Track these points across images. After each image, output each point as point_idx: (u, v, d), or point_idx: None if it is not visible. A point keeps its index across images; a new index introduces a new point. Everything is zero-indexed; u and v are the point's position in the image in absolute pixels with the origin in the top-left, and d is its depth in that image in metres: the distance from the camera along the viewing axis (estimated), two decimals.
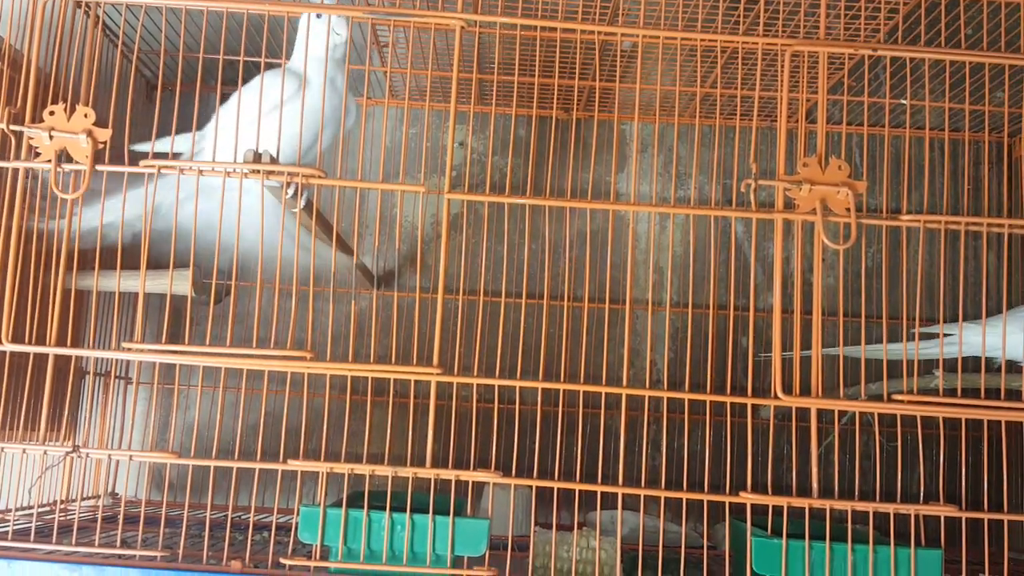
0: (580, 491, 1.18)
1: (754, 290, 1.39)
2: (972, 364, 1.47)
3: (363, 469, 1.14)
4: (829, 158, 1.15)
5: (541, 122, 2.00)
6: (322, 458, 1.15)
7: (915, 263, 1.87)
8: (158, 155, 1.19)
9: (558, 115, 1.98)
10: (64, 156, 1.15)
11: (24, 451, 1.16)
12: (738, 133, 1.85)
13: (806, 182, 1.13)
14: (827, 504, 1.12)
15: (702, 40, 1.25)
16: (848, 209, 1.14)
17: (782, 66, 1.21)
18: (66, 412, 1.64)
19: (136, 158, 1.19)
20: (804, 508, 1.12)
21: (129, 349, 1.14)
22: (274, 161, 1.18)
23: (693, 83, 1.80)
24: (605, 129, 2.02)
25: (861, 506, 1.12)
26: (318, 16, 1.36)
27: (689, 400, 1.20)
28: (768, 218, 1.17)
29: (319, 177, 1.17)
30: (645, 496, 1.19)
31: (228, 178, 1.17)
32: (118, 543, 1.17)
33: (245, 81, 1.43)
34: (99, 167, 1.16)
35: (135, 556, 1.12)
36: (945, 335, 1.36)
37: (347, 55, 1.36)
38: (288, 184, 1.20)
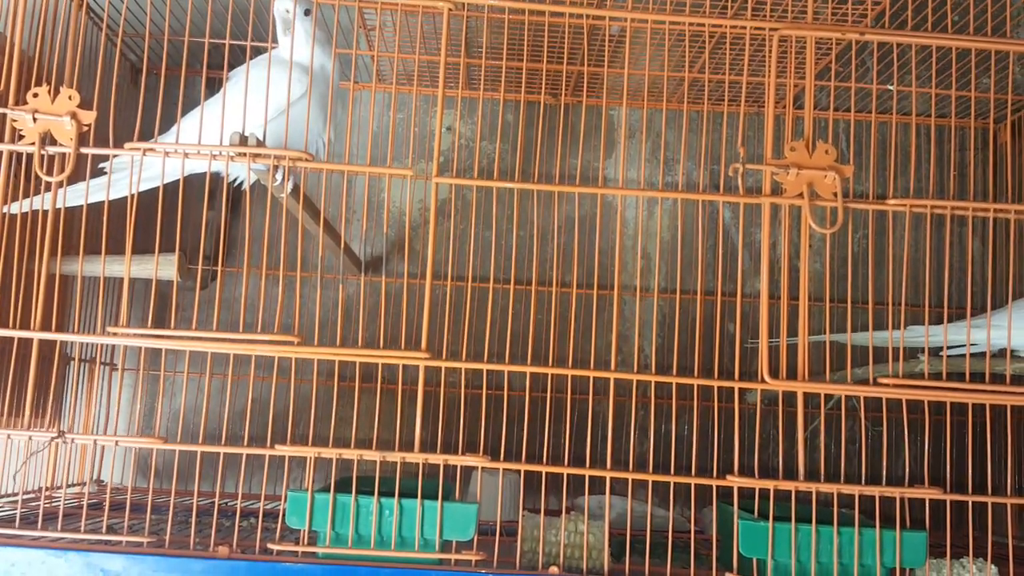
0: (568, 476, 1.18)
1: (741, 276, 1.40)
2: (957, 347, 1.48)
3: (351, 454, 1.14)
4: (816, 143, 1.15)
5: (529, 107, 2.00)
6: (309, 443, 1.15)
7: (901, 248, 1.88)
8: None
9: (546, 100, 1.97)
10: (48, 139, 1.14)
11: (8, 437, 1.16)
12: (726, 119, 1.86)
13: (793, 166, 1.14)
14: (813, 487, 1.13)
15: (690, 24, 1.25)
16: (835, 193, 1.14)
17: (770, 51, 1.21)
18: (51, 399, 1.63)
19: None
20: (790, 491, 1.13)
21: (115, 334, 1.14)
22: (260, 144, 1.17)
23: (681, 68, 1.80)
24: (593, 114, 2.02)
25: (847, 489, 1.13)
26: (306, 13, 1.36)
27: (677, 385, 1.21)
28: (755, 202, 1.17)
29: (306, 161, 1.16)
30: (633, 480, 1.19)
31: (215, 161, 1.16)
32: (104, 529, 1.17)
33: (231, 66, 1.42)
34: (83, 150, 1.15)
35: (122, 542, 1.12)
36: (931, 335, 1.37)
37: (334, 39, 1.35)
38: (275, 168, 1.19)
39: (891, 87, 1.73)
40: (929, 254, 1.21)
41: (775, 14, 1.51)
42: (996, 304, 1.69)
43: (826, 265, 1.88)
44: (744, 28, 1.24)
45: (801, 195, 1.14)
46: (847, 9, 1.49)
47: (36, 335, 1.15)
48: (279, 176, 1.23)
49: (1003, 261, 1.74)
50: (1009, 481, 1.20)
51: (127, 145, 1.16)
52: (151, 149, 1.16)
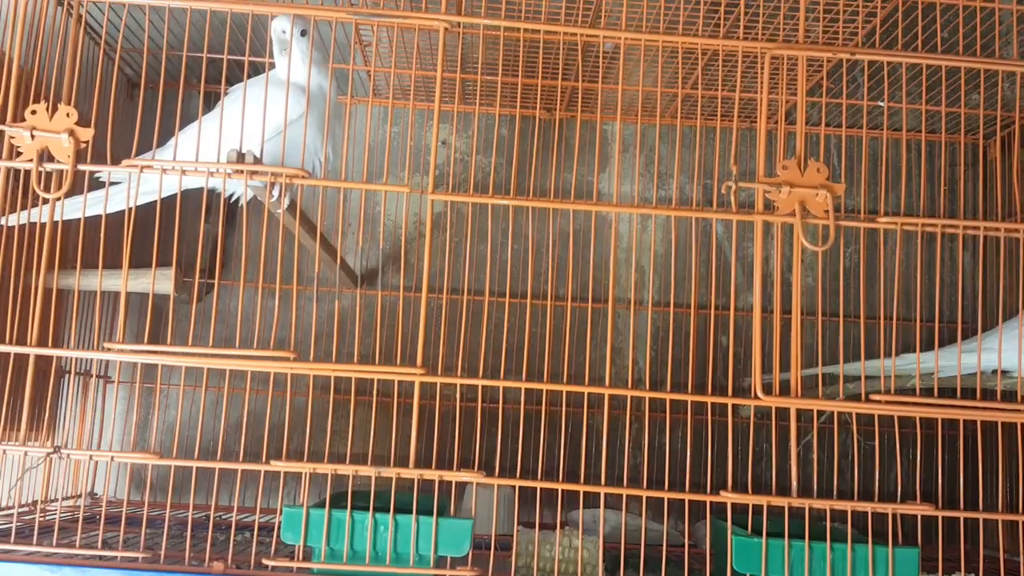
0: (562, 490, 1.19)
1: (734, 290, 1.41)
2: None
3: (346, 469, 1.14)
4: (808, 161, 1.16)
5: (524, 122, 2.01)
6: (305, 458, 1.15)
7: (892, 263, 1.89)
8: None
9: (541, 115, 1.99)
10: (46, 155, 1.15)
11: (4, 452, 1.16)
12: (719, 134, 1.87)
13: (785, 184, 1.15)
14: (806, 503, 1.14)
15: (683, 43, 1.26)
16: (827, 211, 1.15)
17: (762, 68, 1.23)
18: (46, 412, 1.62)
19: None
20: (783, 507, 1.13)
21: (110, 350, 1.14)
22: (257, 161, 1.18)
23: (674, 84, 1.81)
24: (587, 129, 2.03)
25: (840, 505, 1.14)
26: (303, 34, 1.37)
27: (670, 399, 1.21)
28: (748, 219, 1.18)
29: (303, 177, 1.17)
30: (627, 495, 1.20)
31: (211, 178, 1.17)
32: (99, 544, 1.17)
33: (229, 81, 1.43)
34: (81, 167, 1.15)
35: (116, 557, 1.12)
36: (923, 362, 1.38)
37: (331, 57, 1.36)
38: (272, 184, 1.20)
39: (882, 103, 1.75)
40: (920, 269, 1.22)
41: (767, 32, 1.53)
42: (986, 318, 1.70)
43: (818, 280, 1.89)
44: (736, 47, 1.25)
45: (793, 213, 1.15)
46: (838, 28, 1.50)
47: (33, 351, 1.15)
48: (276, 192, 1.24)
49: (994, 275, 1.76)
50: (1000, 496, 1.21)
51: (124, 162, 1.17)
52: (148, 166, 1.16)
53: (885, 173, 1.41)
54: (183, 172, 1.17)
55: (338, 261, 1.69)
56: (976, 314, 1.85)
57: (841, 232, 1.18)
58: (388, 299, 1.94)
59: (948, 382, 1.33)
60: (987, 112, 1.80)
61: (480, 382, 1.20)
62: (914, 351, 1.44)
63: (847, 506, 1.14)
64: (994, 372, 1.35)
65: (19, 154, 1.15)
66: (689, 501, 1.18)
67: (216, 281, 1.89)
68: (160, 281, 1.46)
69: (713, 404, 1.21)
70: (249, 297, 1.86)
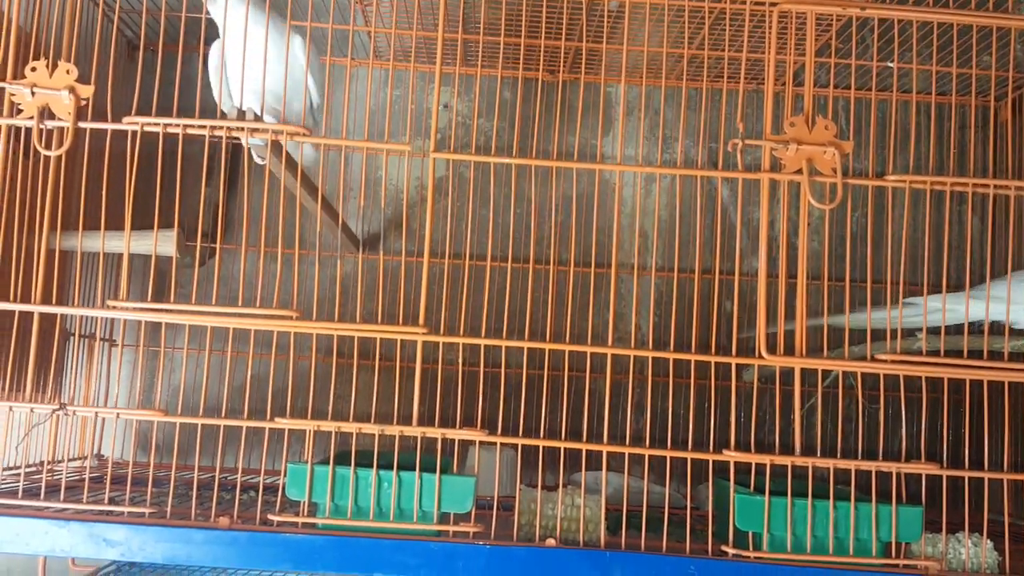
0: (565, 452, 1.19)
1: (739, 254, 1.40)
2: (955, 327, 1.48)
3: (350, 427, 1.14)
4: (816, 118, 1.15)
5: (527, 84, 1.99)
6: (309, 416, 1.15)
7: (899, 227, 1.87)
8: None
9: (544, 77, 1.97)
10: (47, 113, 1.14)
11: (11, 409, 1.16)
12: (724, 96, 1.86)
13: (793, 142, 1.14)
14: (809, 462, 1.14)
15: (689, 0, 1.24)
16: (834, 169, 1.14)
17: (770, 26, 1.21)
18: (51, 375, 1.63)
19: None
20: (787, 466, 1.13)
21: (114, 307, 1.14)
22: (258, 119, 1.17)
23: (680, 44, 1.79)
24: (591, 91, 2.01)
25: (843, 464, 1.14)
26: None
27: (673, 362, 1.21)
28: (754, 178, 1.17)
29: (304, 135, 1.16)
30: (629, 457, 1.20)
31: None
32: (106, 501, 1.18)
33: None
34: (82, 124, 1.15)
35: (124, 513, 1.13)
36: (930, 307, 1.36)
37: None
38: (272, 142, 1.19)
39: (891, 64, 1.72)
40: (928, 232, 1.21)
41: None
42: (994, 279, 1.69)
43: (824, 244, 1.88)
44: (744, 4, 1.23)
45: (800, 171, 1.14)
46: None
47: (37, 308, 1.15)
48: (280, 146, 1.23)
49: (1002, 239, 1.75)
50: (1006, 458, 1.20)
51: (125, 119, 1.16)
52: (150, 124, 1.16)
53: (894, 136, 1.39)
54: (184, 130, 1.16)
55: (340, 225, 1.68)
56: (984, 279, 1.83)
57: (848, 195, 1.17)
58: (390, 264, 1.94)
59: (954, 344, 1.32)
60: (998, 73, 1.78)
61: (483, 341, 1.20)
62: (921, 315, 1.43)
63: (851, 465, 1.14)
64: (1000, 327, 1.34)
65: (19, 111, 1.14)
66: (691, 464, 1.18)
67: (218, 245, 1.89)
68: (163, 243, 1.45)
69: (717, 367, 1.20)
70: (251, 261, 1.85)
